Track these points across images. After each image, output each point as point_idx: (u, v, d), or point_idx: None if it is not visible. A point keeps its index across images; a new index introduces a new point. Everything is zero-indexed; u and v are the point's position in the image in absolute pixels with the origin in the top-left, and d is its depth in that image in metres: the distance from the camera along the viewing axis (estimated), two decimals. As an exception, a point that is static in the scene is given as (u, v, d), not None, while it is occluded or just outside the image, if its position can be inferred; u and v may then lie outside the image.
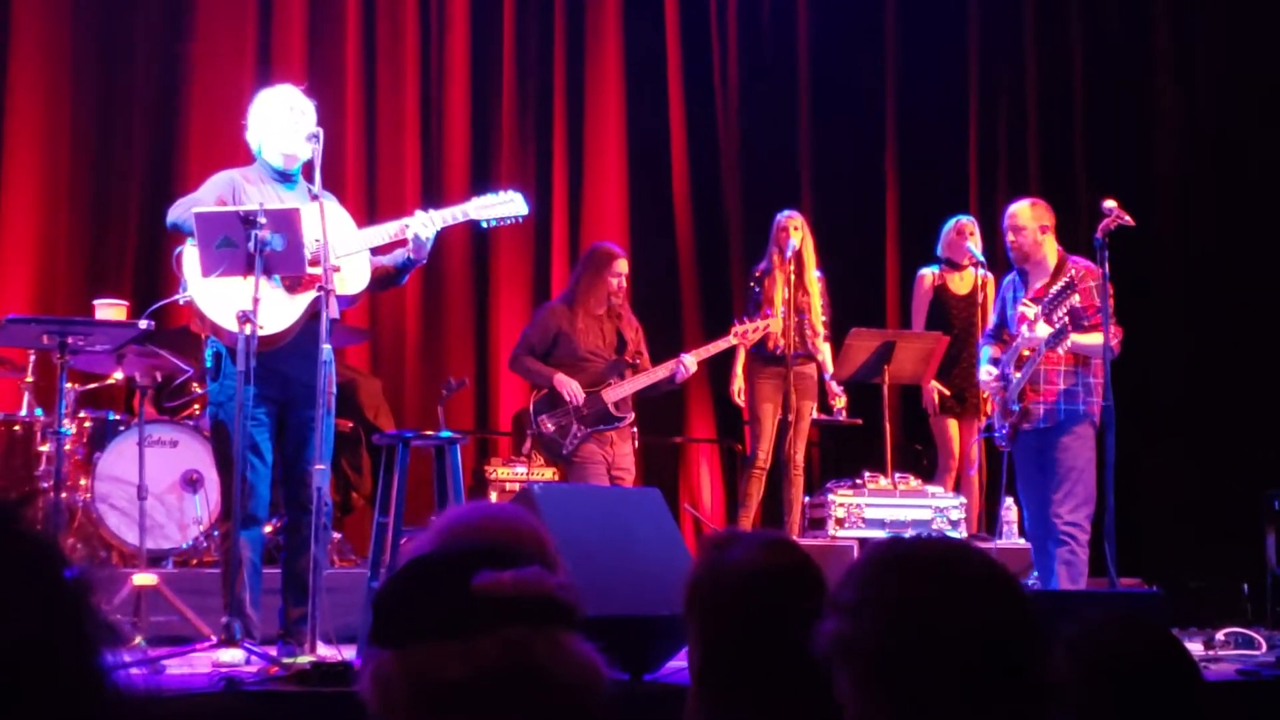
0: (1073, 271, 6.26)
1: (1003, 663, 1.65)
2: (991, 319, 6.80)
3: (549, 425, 7.20)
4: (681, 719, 2.18)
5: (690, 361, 7.23)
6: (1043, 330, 6.17)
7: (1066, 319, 6.12)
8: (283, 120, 5.23)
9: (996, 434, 6.48)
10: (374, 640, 1.48)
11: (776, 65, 9.81)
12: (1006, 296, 6.57)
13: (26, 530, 0.96)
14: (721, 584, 2.19)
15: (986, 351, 6.65)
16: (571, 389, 7.09)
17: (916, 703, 1.64)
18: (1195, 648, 5.31)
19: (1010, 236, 6.46)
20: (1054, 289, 6.18)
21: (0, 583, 0.93)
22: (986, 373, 6.54)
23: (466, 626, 1.41)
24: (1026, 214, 6.45)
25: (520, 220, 5.61)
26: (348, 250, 5.14)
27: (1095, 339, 6.17)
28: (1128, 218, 6.19)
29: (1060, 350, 6.18)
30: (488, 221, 5.51)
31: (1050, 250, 6.43)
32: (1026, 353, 6.31)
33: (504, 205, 5.49)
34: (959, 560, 1.73)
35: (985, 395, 7.18)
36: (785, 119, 9.77)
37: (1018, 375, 6.32)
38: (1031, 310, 6.27)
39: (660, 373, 7.22)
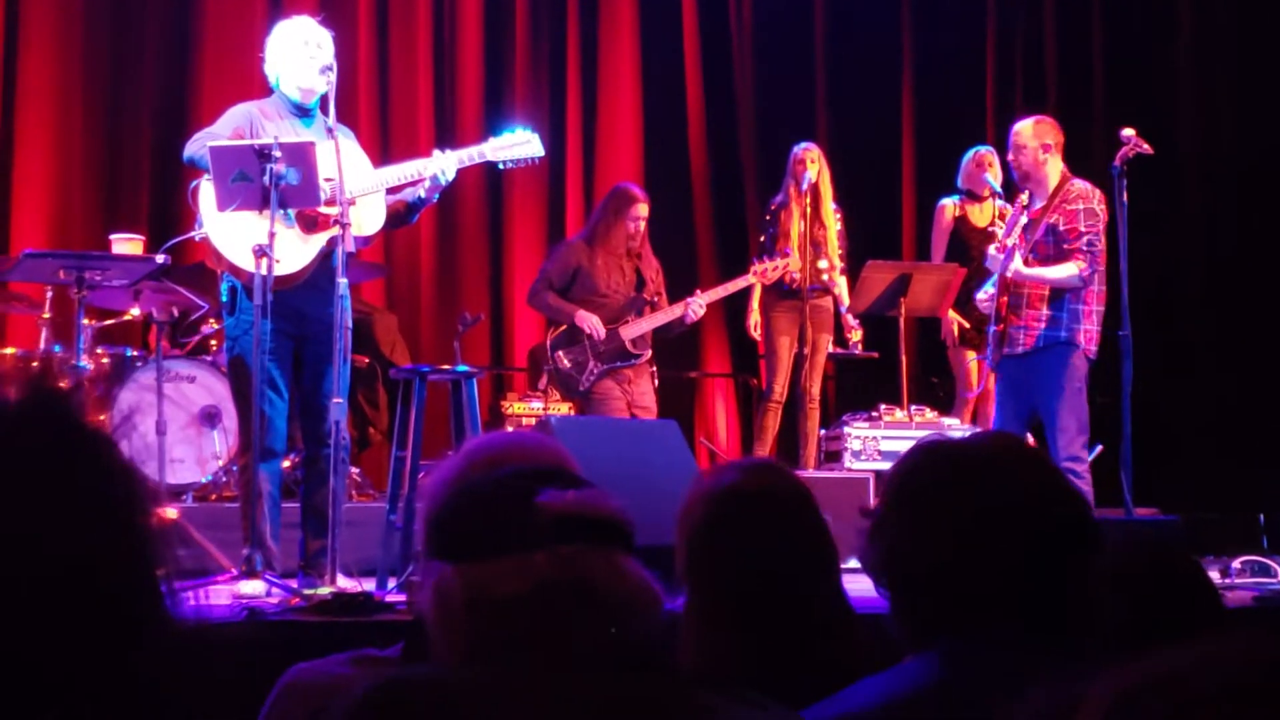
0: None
1: (1050, 563, 1.64)
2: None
3: (565, 361, 7.22)
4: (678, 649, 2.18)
5: (700, 303, 7.23)
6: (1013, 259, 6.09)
7: (1016, 244, 6.07)
8: (298, 54, 5.21)
9: (987, 356, 6.46)
10: (434, 554, 1.49)
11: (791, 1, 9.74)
12: (1016, 216, 6.49)
13: (80, 419, 0.97)
14: (710, 507, 2.20)
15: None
16: (593, 323, 7.11)
17: (960, 608, 1.63)
18: (1212, 576, 5.32)
19: (1011, 155, 6.29)
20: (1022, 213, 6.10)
21: (59, 453, 0.95)
22: (984, 293, 6.44)
23: (525, 542, 1.42)
24: (1029, 131, 6.25)
25: (536, 161, 5.62)
26: (364, 189, 5.13)
27: (1057, 272, 6.07)
28: (1146, 146, 6.14)
29: (1009, 274, 6.11)
30: (504, 163, 5.52)
31: (1054, 170, 6.21)
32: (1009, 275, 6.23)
33: (521, 146, 5.49)
34: (1008, 457, 1.71)
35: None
36: (801, 52, 9.70)
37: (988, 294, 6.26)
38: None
39: (675, 311, 7.23)
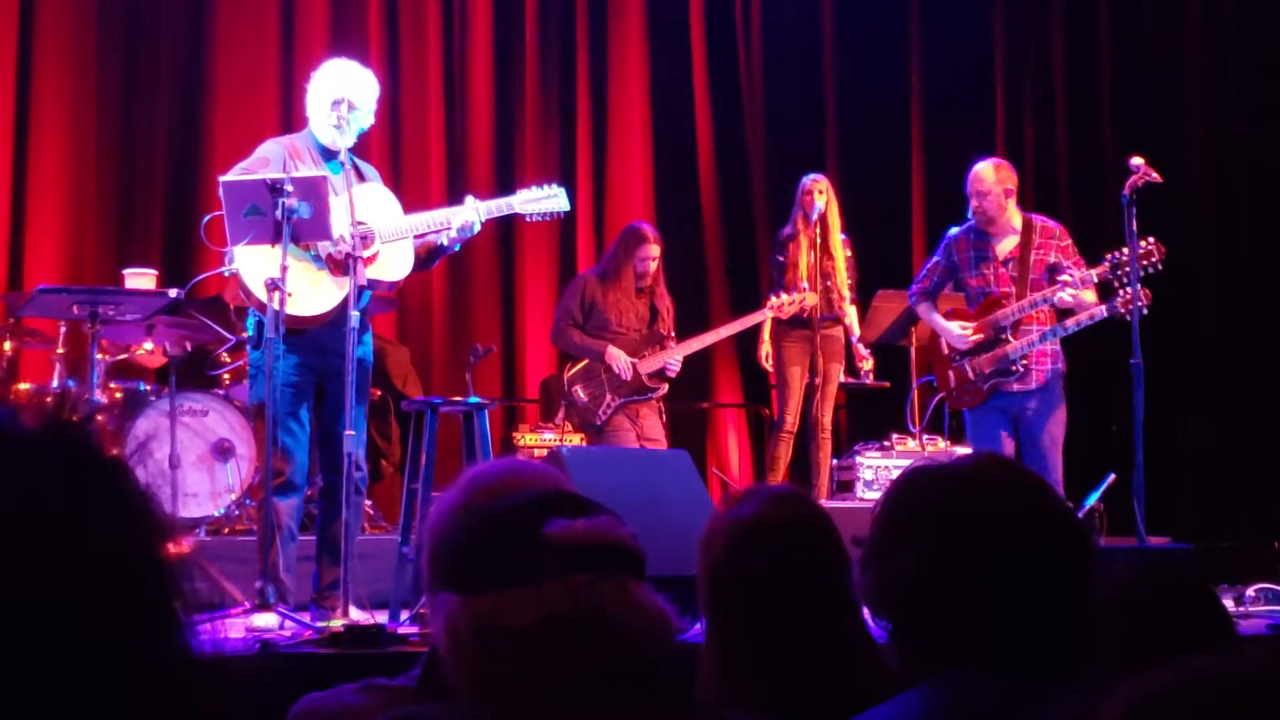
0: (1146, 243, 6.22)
1: (1054, 588, 1.62)
2: (928, 277, 6.68)
3: (583, 394, 7.25)
4: (696, 678, 2.16)
5: (677, 358, 7.28)
6: (1089, 295, 6.23)
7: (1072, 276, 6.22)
8: (327, 114, 5.25)
9: (949, 393, 6.50)
10: (442, 586, 1.48)
11: (800, 31, 9.77)
12: (967, 256, 6.51)
13: (98, 444, 0.97)
14: (732, 537, 2.17)
15: (924, 309, 6.65)
16: (621, 364, 7.16)
17: (954, 632, 1.62)
18: (1226, 604, 5.30)
19: (974, 201, 6.45)
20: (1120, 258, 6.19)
21: (74, 485, 0.94)
22: (962, 329, 6.46)
23: (535, 573, 1.41)
24: (991, 176, 6.46)
25: (562, 215, 5.79)
26: (393, 233, 5.19)
27: (1095, 308, 6.26)
28: (1155, 175, 6.15)
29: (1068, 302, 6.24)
30: (531, 215, 5.65)
31: (1014, 212, 6.49)
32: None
33: (548, 200, 5.65)
34: (1003, 478, 1.70)
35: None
36: (810, 86, 9.73)
37: (1020, 342, 6.31)
38: (1079, 274, 6.24)
39: (660, 360, 7.26)
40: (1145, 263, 6.16)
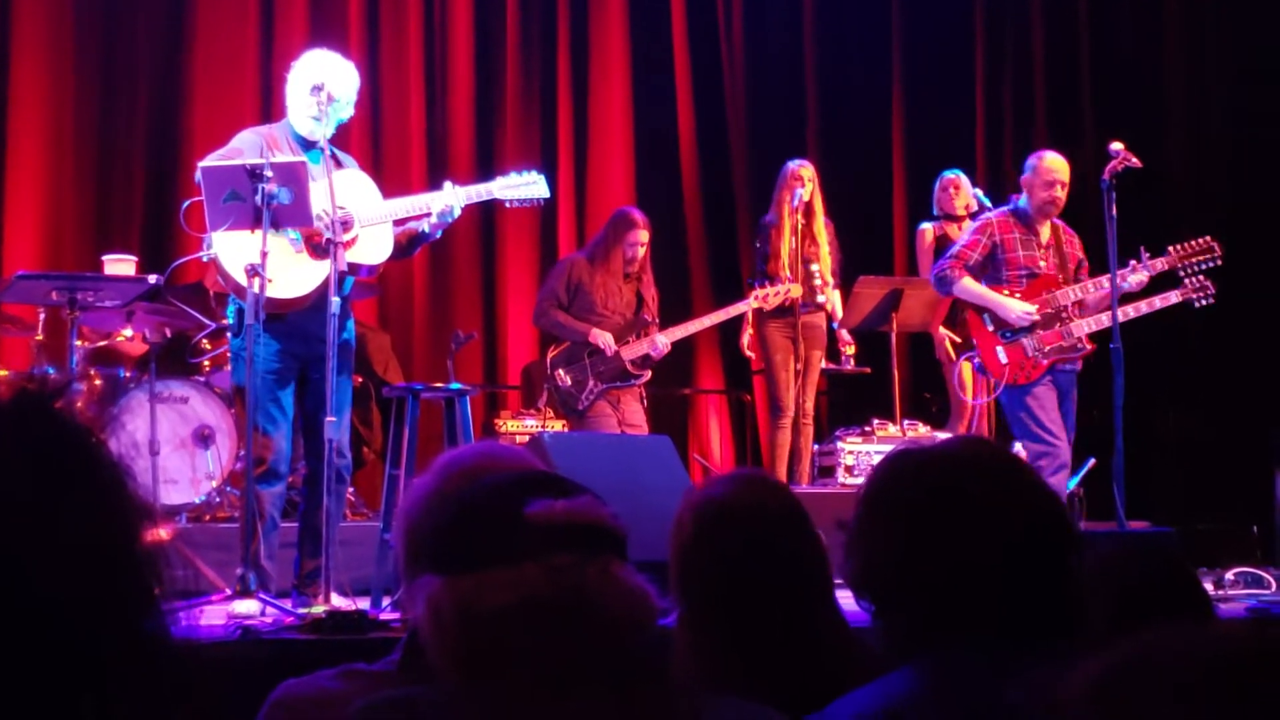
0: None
1: (1040, 572, 1.63)
2: (969, 253, 6.62)
3: (566, 379, 7.24)
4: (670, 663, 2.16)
5: (666, 341, 7.28)
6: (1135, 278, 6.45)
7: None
8: (305, 101, 5.22)
9: (1001, 368, 6.49)
10: (424, 567, 1.48)
11: (781, 21, 9.76)
12: (1012, 236, 6.53)
13: (70, 416, 0.96)
14: (701, 519, 2.19)
15: (968, 283, 6.58)
16: (606, 340, 7.14)
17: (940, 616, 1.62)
18: (1205, 587, 5.33)
19: (1051, 191, 6.48)
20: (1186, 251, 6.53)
21: (46, 462, 0.93)
22: (1024, 306, 6.47)
23: (516, 553, 1.41)
24: (1068, 172, 6.55)
25: (541, 202, 5.76)
26: (372, 219, 5.17)
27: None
28: (1135, 160, 6.19)
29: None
30: (510, 202, 5.62)
31: None
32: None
33: (527, 187, 5.61)
34: (990, 460, 1.70)
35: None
36: (791, 74, 9.73)
37: (1085, 321, 6.47)
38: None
39: (644, 346, 7.26)
40: (1206, 258, 6.54)
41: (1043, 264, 6.50)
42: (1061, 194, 6.49)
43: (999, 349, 6.51)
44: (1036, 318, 6.45)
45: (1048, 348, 6.41)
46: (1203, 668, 0.82)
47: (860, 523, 1.70)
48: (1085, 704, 0.85)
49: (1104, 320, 6.40)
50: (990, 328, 6.54)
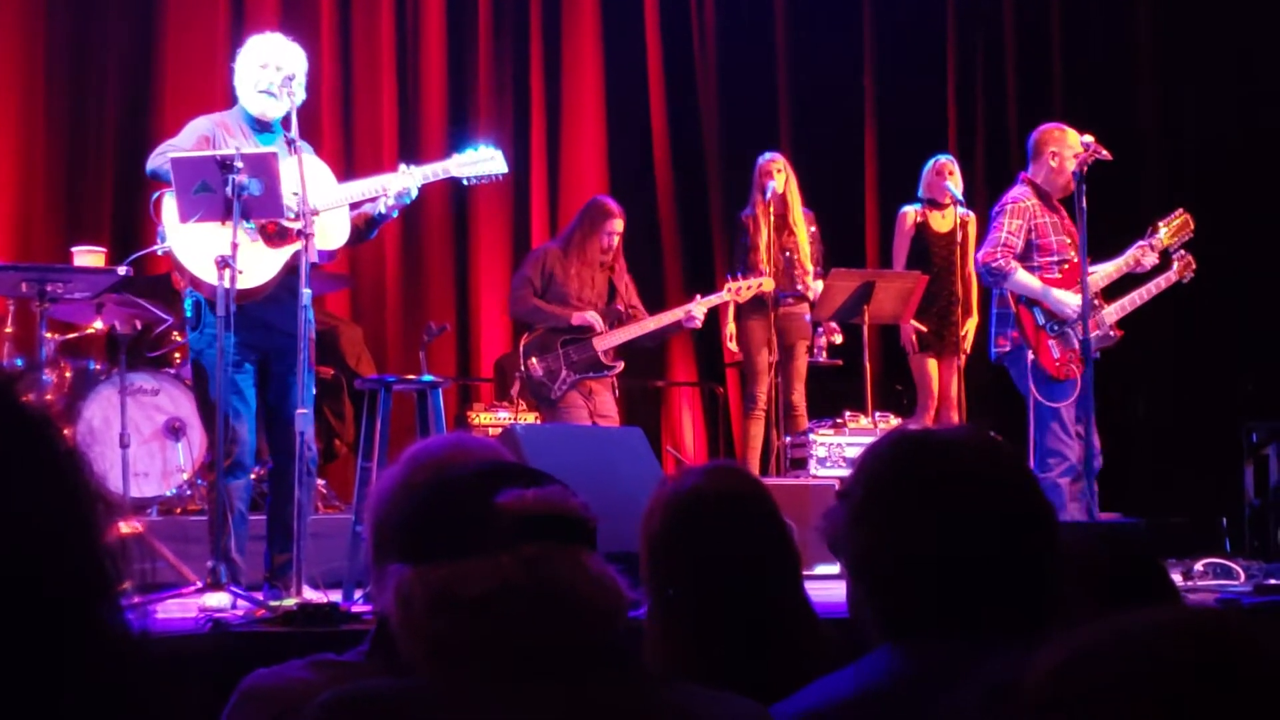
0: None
1: (1014, 561, 1.64)
2: (1015, 240, 6.43)
3: (538, 368, 7.21)
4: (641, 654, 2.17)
5: (701, 308, 7.25)
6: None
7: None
8: (255, 77, 5.18)
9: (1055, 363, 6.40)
10: (394, 557, 1.48)
11: (753, 6, 9.77)
12: (1045, 221, 6.47)
13: (24, 403, 0.94)
14: (670, 509, 2.20)
15: (1021, 274, 6.38)
16: (593, 319, 7.12)
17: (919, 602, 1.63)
18: (1175, 579, 5.35)
19: (1073, 162, 6.28)
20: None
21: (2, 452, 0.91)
22: (1077, 304, 6.24)
23: (487, 543, 1.41)
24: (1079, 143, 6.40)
25: (500, 178, 5.66)
26: (328, 204, 5.12)
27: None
28: (1105, 152, 6.19)
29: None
30: (468, 179, 5.53)
31: None
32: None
33: (485, 163, 5.50)
34: (973, 448, 1.71)
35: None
36: (763, 63, 9.74)
37: (1113, 307, 6.50)
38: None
39: (671, 316, 7.25)
40: (1187, 232, 6.56)
41: (1072, 252, 6.32)
42: (1069, 165, 6.35)
43: (1050, 343, 6.33)
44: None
45: (1089, 337, 6.10)
46: (1166, 648, 0.83)
47: (861, 503, 1.70)
48: (1047, 687, 0.86)
49: (1125, 306, 6.44)
50: (1040, 321, 6.35)
